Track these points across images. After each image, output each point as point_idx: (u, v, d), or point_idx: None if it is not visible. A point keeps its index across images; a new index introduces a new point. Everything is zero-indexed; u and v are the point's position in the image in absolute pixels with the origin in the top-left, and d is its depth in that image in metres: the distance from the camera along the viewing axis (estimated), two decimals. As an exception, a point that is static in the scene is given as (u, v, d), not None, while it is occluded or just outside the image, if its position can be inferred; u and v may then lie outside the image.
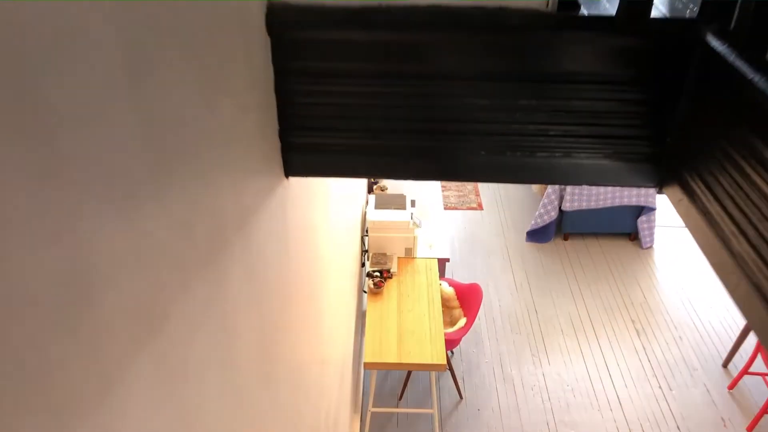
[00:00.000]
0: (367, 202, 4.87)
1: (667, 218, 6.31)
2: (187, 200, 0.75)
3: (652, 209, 5.71)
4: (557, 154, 1.29)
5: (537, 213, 5.84)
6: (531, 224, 5.93)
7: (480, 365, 4.67)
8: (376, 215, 4.17)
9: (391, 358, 3.43)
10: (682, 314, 5.17)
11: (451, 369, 4.25)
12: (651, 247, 5.93)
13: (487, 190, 6.81)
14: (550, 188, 5.70)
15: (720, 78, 1.06)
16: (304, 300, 1.72)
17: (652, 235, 5.86)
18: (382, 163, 1.32)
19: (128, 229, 0.61)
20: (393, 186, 5.19)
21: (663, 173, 1.29)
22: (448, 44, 1.17)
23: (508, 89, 1.22)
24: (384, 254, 4.20)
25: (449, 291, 4.30)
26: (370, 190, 5.10)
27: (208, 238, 0.84)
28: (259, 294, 1.16)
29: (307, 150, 1.31)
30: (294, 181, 1.49)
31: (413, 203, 4.37)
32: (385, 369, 3.88)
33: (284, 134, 1.28)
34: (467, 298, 4.26)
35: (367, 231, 4.22)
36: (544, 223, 5.81)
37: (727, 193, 1.04)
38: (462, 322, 4.13)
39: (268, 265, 1.23)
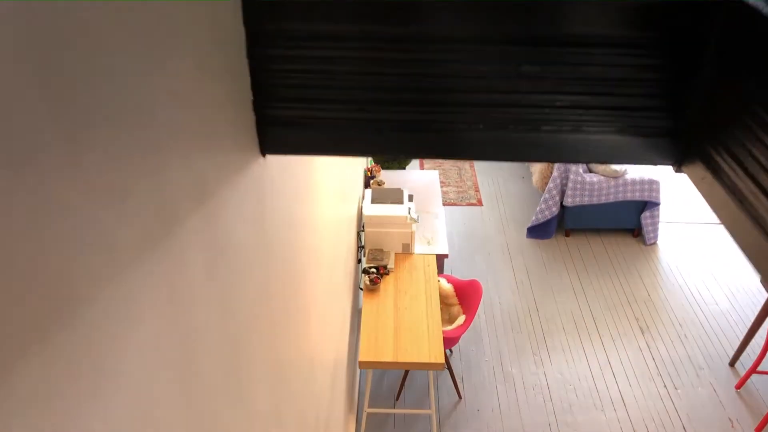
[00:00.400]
0: (363, 197, 4.74)
1: (672, 214, 6.18)
2: (115, 165, 0.62)
3: (656, 204, 5.58)
4: (565, 128, 1.15)
5: (538, 208, 5.71)
6: (532, 220, 5.80)
7: (479, 364, 4.54)
8: (372, 210, 4.04)
9: (388, 357, 3.30)
10: (687, 312, 5.04)
11: (449, 368, 4.12)
12: (655, 243, 5.80)
13: (486, 185, 6.68)
14: (551, 183, 5.57)
15: (752, 35, 0.93)
16: (286, 295, 1.59)
17: (656, 231, 5.73)
18: (370, 138, 1.18)
19: (25, 190, 0.48)
20: (390, 180, 5.05)
21: (682, 149, 1.16)
22: (443, 2, 1.03)
23: (509, 54, 1.08)
24: (380, 250, 4.07)
25: (448, 288, 4.17)
26: (366, 185, 4.97)
27: (150, 213, 0.71)
28: (226, 286, 1.03)
29: (286, 124, 1.17)
30: (274, 161, 1.36)
31: (411, 198, 4.24)
32: (381, 368, 3.75)
33: (259, 106, 1.14)
34: (466, 295, 4.13)
35: (363, 226, 4.09)
36: (545, 219, 5.69)
37: (762, 166, 0.91)
38: (461, 319, 4.00)
39: (239, 254, 1.10)
